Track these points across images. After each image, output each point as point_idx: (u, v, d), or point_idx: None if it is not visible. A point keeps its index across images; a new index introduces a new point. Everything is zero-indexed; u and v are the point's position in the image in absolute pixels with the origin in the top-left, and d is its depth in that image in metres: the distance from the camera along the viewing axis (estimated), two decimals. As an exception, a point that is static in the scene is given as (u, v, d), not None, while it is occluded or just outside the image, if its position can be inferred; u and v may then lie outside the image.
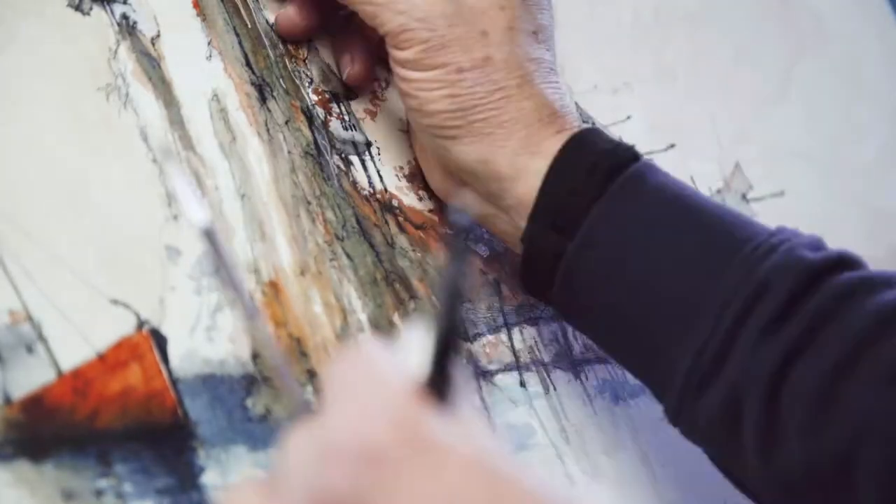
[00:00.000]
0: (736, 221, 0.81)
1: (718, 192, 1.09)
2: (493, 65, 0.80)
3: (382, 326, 0.83)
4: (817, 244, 0.79)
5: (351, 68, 0.89)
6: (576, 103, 1.01)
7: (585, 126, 0.84)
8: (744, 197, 1.10)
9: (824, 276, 0.77)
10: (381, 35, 0.83)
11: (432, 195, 0.90)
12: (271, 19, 0.88)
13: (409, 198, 0.90)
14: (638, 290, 0.80)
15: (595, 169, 0.80)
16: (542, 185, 0.81)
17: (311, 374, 0.78)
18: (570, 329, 0.92)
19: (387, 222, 0.87)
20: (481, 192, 0.84)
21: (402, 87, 0.83)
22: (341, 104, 0.90)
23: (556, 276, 0.82)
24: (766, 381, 0.75)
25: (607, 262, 0.80)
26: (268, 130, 0.84)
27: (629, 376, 0.91)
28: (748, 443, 0.76)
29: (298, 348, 0.78)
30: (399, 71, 0.83)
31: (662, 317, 0.79)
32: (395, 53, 0.82)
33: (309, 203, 0.84)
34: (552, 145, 0.81)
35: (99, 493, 0.67)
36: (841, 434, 0.74)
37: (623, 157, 0.81)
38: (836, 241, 0.80)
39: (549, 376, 0.90)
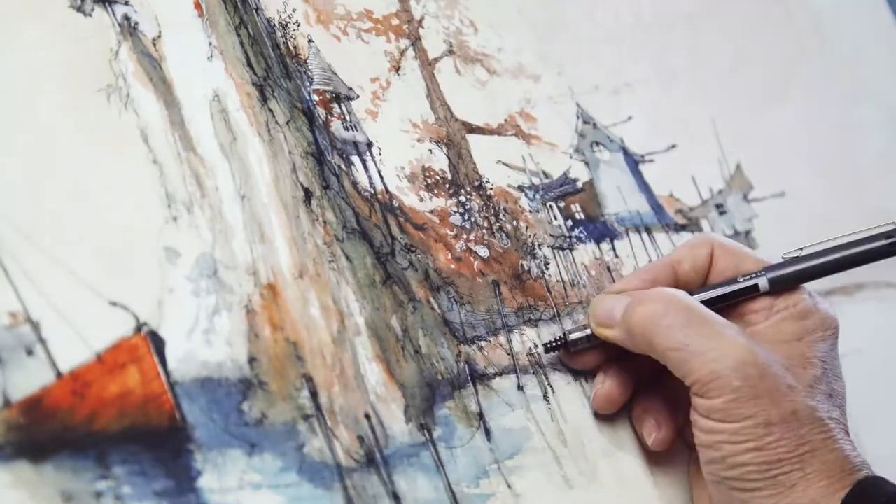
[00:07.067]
0: None
1: (720, 192, 1.09)
2: (799, 419, 0.81)
3: (380, 329, 0.83)
4: None
5: (657, 433, 0.90)
6: (577, 104, 1.01)
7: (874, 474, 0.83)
8: (745, 197, 1.10)
9: None
10: (688, 385, 0.82)
11: (433, 195, 0.90)
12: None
13: (409, 198, 0.90)
14: None
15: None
16: None
17: (307, 379, 0.78)
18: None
19: (387, 223, 0.87)
20: None
21: (705, 438, 0.82)
22: (342, 104, 0.90)
23: None
24: None
25: None
26: (269, 131, 0.84)
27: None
28: None
29: (294, 352, 0.78)
30: (703, 423, 0.82)
31: None
32: (702, 403, 0.82)
33: (309, 204, 0.84)
34: (843, 492, 0.81)
35: (98, 495, 0.67)
36: None
37: None
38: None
39: (547, 379, 0.90)
